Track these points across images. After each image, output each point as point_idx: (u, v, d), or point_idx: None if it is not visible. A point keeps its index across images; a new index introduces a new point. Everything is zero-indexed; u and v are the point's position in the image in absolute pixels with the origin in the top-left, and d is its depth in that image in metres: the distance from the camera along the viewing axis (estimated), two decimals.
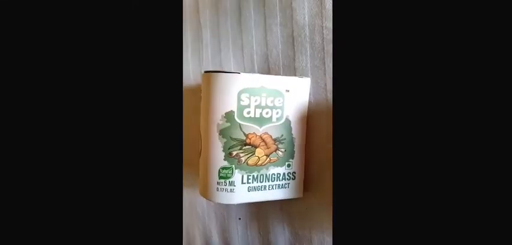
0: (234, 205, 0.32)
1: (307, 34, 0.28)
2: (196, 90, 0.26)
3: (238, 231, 0.33)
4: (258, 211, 0.31)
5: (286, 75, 0.28)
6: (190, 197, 0.33)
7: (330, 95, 0.27)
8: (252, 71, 0.30)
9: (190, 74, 0.32)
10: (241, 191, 0.26)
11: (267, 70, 0.29)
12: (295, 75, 0.28)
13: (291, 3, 0.28)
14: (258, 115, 0.25)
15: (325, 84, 0.27)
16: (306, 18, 0.28)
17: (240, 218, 0.32)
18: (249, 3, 0.30)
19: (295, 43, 0.28)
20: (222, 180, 0.26)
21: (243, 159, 0.26)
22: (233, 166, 0.26)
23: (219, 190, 0.26)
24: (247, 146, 0.25)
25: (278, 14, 0.29)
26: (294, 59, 0.28)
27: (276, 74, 0.29)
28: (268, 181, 0.27)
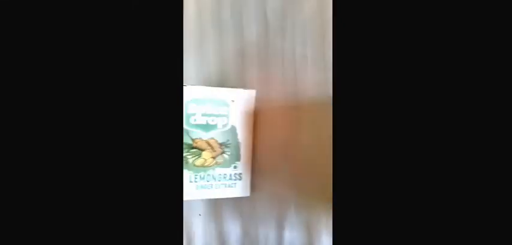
0: (194, 201, 0.36)
1: (255, 49, 0.31)
2: None
3: (199, 226, 0.36)
4: (215, 208, 0.35)
5: (236, 86, 0.32)
6: None
7: (274, 104, 0.30)
8: (209, 80, 0.33)
9: None
10: (189, 189, 0.29)
11: (221, 81, 0.33)
12: (245, 86, 0.31)
13: (242, 21, 0.31)
14: (204, 122, 0.28)
15: (268, 95, 0.30)
16: (254, 36, 0.31)
17: (200, 214, 0.36)
18: (206, 21, 0.33)
19: (244, 57, 0.31)
20: None
21: (190, 160, 0.29)
22: None
23: None
24: (194, 149, 0.29)
25: (231, 30, 0.32)
26: (243, 72, 0.31)
27: (228, 86, 0.32)
28: (215, 181, 0.30)
